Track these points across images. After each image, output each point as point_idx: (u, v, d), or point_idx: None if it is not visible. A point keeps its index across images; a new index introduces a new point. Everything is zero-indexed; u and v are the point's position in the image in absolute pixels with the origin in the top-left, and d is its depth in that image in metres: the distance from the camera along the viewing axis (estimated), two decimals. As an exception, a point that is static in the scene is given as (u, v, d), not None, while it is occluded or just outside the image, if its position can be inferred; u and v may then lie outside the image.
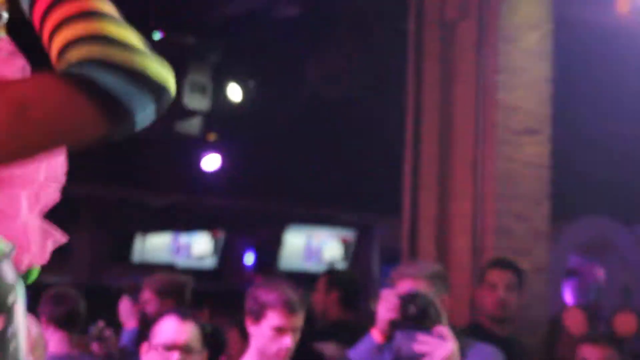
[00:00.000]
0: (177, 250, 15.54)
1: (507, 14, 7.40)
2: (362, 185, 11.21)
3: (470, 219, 7.16)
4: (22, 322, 1.80)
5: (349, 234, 15.91)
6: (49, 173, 1.94)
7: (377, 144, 8.42)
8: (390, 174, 7.78)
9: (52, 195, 1.99)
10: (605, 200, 8.34)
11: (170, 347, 3.94)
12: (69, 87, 1.50)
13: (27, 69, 1.84)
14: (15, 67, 1.84)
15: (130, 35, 1.59)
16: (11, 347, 1.75)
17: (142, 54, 1.56)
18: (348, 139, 10.61)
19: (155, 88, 1.56)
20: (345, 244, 15.59)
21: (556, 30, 7.57)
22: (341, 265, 14.22)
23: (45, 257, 1.97)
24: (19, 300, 1.78)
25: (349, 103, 10.21)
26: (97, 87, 1.50)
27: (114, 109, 1.53)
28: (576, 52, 7.95)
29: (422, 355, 4.63)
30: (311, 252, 15.54)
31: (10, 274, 1.76)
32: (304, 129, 11.20)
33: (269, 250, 15.98)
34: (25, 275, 1.90)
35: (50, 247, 1.98)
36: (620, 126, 9.93)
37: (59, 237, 2.02)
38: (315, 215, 15.19)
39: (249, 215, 15.19)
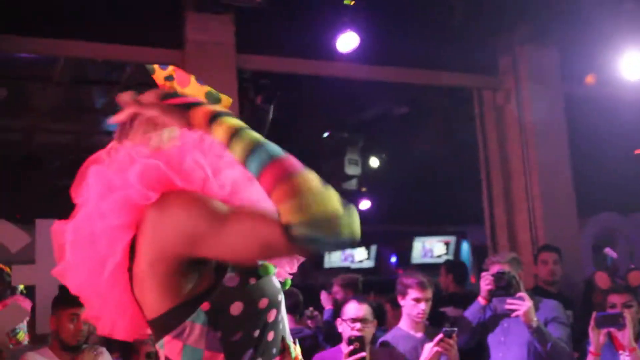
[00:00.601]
0: (345, 258, 15.28)
1: (532, 97, 7.33)
2: (457, 207, 11.01)
3: (528, 224, 7.10)
4: (284, 313, 1.75)
5: (451, 238, 15.64)
6: None
7: (465, 182, 8.37)
8: (475, 199, 7.75)
9: None
10: (608, 201, 8.07)
11: (354, 320, 3.94)
12: (290, 243, 1.41)
13: None
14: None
15: (320, 195, 1.45)
16: (280, 327, 1.70)
17: (329, 210, 1.44)
18: (446, 181, 10.46)
19: (344, 243, 1.50)
20: (447, 244, 15.34)
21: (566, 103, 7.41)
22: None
23: (294, 270, 1.89)
24: (282, 298, 1.72)
25: (442, 160, 10.04)
26: (298, 239, 1.40)
27: (307, 248, 1.46)
28: (579, 113, 7.79)
29: (511, 311, 4.42)
30: (426, 252, 15.24)
31: (276, 282, 1.72)
32: (416, 177, 11.04)
33: (404, 253, 15.81)
34: (283, 283, 1.79)
35: (296, 264, 1.88)
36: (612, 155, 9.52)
37: (300, 258, 1.82)
38: (429, 229, 15.01)
39: (391, 234, 15.02)
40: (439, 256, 16.23)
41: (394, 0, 6.43)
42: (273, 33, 6.16)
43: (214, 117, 1.54)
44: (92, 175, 1.63)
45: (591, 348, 4.30)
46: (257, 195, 1.62)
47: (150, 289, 1.59)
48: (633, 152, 10.94)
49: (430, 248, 16.49)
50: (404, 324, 4.36)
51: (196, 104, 1.59)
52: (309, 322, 6.32)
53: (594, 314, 4.39)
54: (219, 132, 1.53)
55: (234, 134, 1.51)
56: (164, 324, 1.60)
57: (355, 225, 1.49)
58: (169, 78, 1.78)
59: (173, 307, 1.58)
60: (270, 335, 1.67)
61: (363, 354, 3.66)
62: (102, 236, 1.59)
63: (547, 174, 7.29)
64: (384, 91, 8.18)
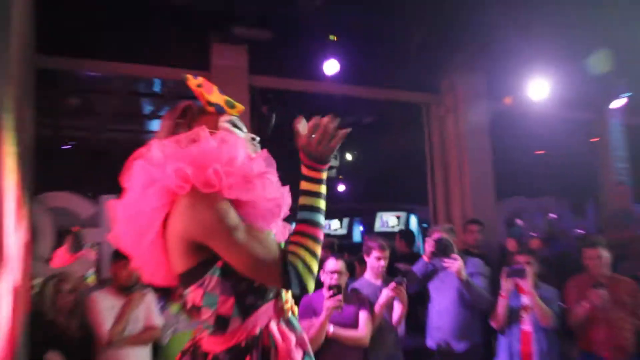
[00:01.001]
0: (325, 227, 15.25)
1: (465, 110, 7.37)
2: (408, 190, 11.02)
3: (460, 203, 7.15)
4: None
5: (402, 213, 15.69)
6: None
7: (415, 173, 8.37)
8: (422, 185, 7.76)
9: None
10: (518, 188, 8.14)
11: (333, 272, 3.91)
12: (280, 269, 1.58)
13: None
14: (271, 166, 1.71)
15: (315, 266, 1.63)
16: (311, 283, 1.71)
17: (312, 276, 1.62)
18: (401, 171, 10.43)
19: (304, 289, 1.61)
20: (399, 218, 15.38)
21: (490, 115, 7.44)
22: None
23: (285, 238, 1.84)
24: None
25: (398, 157, 10.02)
26: (288, 277, 1.58)
27: (284, 284, 1.60)
28: (500, 123, 7.83)
29: (447, 268, 4.45)
30: (384, 223, 15.29)
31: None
32: (379, 169, 11.05)
33: (369, 224, 15.81)
34: (279, 244, 1.73)
35: (287, 232, 1.86)
36: (522, 154, 9.58)
37: (291, 228, 1.84)
38: (387, 206, 15.03)
39: (359, 209, 15.04)
40: (393, 226, 16.35)
41: (365, 37, 6.45)
42: (276, 59, 6.18)
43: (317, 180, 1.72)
44: (136, 167, 1.64)
45: (502, 293, 4.35)
46: (270, 223, 1.67)
47: (179, 252, 1.63)
48: (535, 153, 11.06)
49: (387, 220, 16.57)
50: (368, 275, 4.36)
51: None
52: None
53: (504, 269, 4.43)
54: (306, 185, 1.70)
55: (314, 193, 1.69)
56: (190, 277, 1.64)
57: (312, 286, 1.65)
58: (199, 86, 1.78)
59: (196, 265, 1.62)
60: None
61: (339, 296, 3.67)
62: (145, 213, 1.62)
63: (475, 168, 7.28)
64: (356, 104, 8.19)
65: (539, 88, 7.25)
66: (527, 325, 4.32)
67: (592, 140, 9.10)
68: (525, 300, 4.37)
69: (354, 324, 3.90)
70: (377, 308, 4.02)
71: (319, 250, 1.66)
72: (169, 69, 5.84)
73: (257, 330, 1.65)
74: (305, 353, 1.75)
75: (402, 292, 4.06)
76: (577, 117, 8.99)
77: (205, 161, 1.60)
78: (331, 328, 3.77)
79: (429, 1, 6.00)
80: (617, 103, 8.56)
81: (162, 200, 1.61)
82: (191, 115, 1.77)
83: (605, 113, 8.84)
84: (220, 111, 1.80)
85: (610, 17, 6.15)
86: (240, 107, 1.84)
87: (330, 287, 3.77)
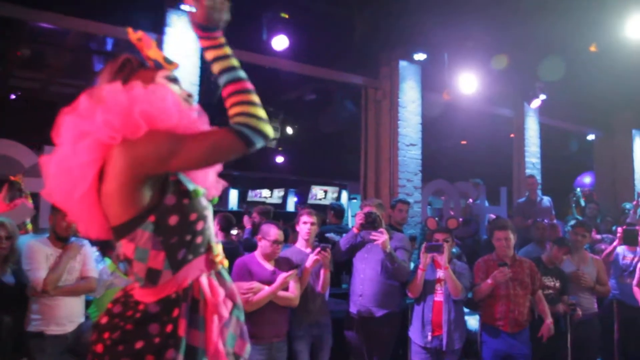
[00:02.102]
0: (256, 195, 15.15)
1: (401, 96, 7.46)
2: (342, 167, 11.08)
3: (389, 183, 7.26)
4: (211, 222, 1.73)
5: (335, 188, 15.81)
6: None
7: (349, 151, 8.42)
8: (354, 163, 7.82)
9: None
10: (441, 172, 8.31)
11: (274, 242, 3.86)
12: (234, 135, 1.53)
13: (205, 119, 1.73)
14: (204, 120, 1.72)
15: (260, 111, 1.58)
16: (207, 233, 1.70)
17: (264, 121, 1.58)
18: (336, 149, 10.49)
19: (266, 137, 1.57)
20: (332, 192, 15.54)
21: (423, 103, 7.53)
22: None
23: (218, 193, 1.86)
24: (208, 213, 1.71)
25: (335, 134, 10.06)
26: (244, 135, 1.53)
27: (248, 144, 1.54)
28: (431, 111, 7.95)
29: (374, 240, 4.42)
30: (314, 196, 15.43)
31: (204, 201, 1.70)
32: (317, 144, 11.02)
33: (303, 196, 15.84)
34: (211, 201, 1.76)
35: (220, 187, 1.87)
36: (448, 142, 9.79)
37: (225, 183, 1.90)
38: (321, 181, 15.08)
39: (296, 181, 15.04)
40: (321, 199, 16.51)
41: (314, 19, 6.41)
42: (228, 28, 6.00)
43: (212, 46, 1.64)
44: (66, 121, 1.58)
45: (420, 266, 4.43)
46: (189, 119, 1.63)
47: (115, 204, 1.58)
48: (460, 142, 11.36)
49: (317, 194, 16.71)
50: (299, 244, 4.34)
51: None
52: (233, 237, 6.26)
53: (424, 244, 4.49)
54: (211, 54, 1.64)
55: (223, 56, 1.63)
56: (123, 230, 1.60)
57: (270, 129, 1.61)
58: (139, 40, 1.73)
59: (130, 219, 1.58)
60: (199, 239, 1.67)
61: (293, 271, 3.73)
62: (76, 168, 1.56)
63: (405, 151, 7.49)
64: (301, 81, 8.14)
65: (468, 83, 7.44)
66: (439, 297, 4.42)
67: (510, 135, 9.44)
68: (440, 274, 4.47)
69: (285, 288, 3.87)
70: (304, 271, 4.02)
71: (256, 98, 1.61)
72: (122, 29, 5.58)
73: (188, 283, 1.62)
74: (234, 305, 1.74)
75: (327, 257, 4.05)
76: (500, 113, 9.31)
77: (133, 109, 1.55)
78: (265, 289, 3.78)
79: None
80: (535, 104, 8.90)
81: (94, 154, 1.56)
82: (130, 68, 1.72)
83: (524, 112, 9.20)
84: (158, 66, 1.76)
85: (534, 22, 6.36)
86: (174, 65, 1.79)
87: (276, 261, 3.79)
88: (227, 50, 1.66)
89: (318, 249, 4.05)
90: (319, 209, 7.83)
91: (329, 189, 16.19)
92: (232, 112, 1.58)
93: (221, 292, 1.70)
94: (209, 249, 1.71)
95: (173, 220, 1.61)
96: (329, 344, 4.27)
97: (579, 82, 7.73)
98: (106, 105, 1.55)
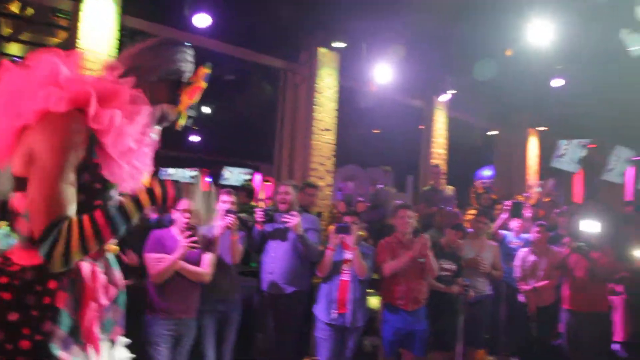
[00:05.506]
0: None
1: (318, 82, 7.61)
2: (255, 149, 11.09)
3: (302, 165, 7.44)
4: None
5: (248, 170, 15.73)
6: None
7: (264, 133, 8.48)
8: (269, 145, 7.91)
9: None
10: (353, 158, 8.57)
11: (186, 211, 3.80)
12: (51, 223, 1.45)
13: None
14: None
15: (82, 245, 1.47)
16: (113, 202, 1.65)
17: (68, 258, 1.46)
18: (251, 130, 10.48)
19: (48, 258, 1.45)
20: (245, 174, 15.48)
21: (340, 90, 7.73)
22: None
23: (130, 191, 1.71)
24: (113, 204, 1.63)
25: (251, 115, 10.05)
26: (50, 247, 1.44)
27: (42, 240, 1.44)
28: (347, 98, 8.16)
29: (286, 222, 4.57)
30: (230, 177, 15.31)
31: (115, 194, 1.66)
32: (232, 124, 10.95)
33: (216, 176, 15.62)
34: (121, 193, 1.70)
35: (132, 189, 1.70)
36: (361, 130, 10.06)
37: (139, 187, 1.74)
38: (235, 162, 14.93)
39: (209, 161, 14.81)
40: (228, 178, 16.45)
41: (237, -1, 6.42)
42: (149, 3, 5.92)
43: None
44: (7, 77, 1.55)
45: (329, 246, 4.58)
46: (124, 150, 1.59)
47: (21, 156, 1.54)
48: (372, 131, 11.73)
49: (234, 175, 16.62)
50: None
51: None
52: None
53: (334, 225, 4.68)
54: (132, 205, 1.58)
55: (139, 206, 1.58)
56: (20, 184, 1.53)
57: (59, 268, 1.49)
58: (199, 79, 1.76)
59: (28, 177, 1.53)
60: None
61: (195, 237, 3.71)
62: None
63: (320, 136, 7.67)
64: (221, 60, 8.07)
65: (383, 73, 7.74)
66: (346, 276, 4.60)
67: (420, 126, 9.91)
68: (347, 254, 4.63)
69: (199, 263, 3.93)
70: (213, 240, 4.03)
71: (92, 247, 1.50)
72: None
73: None
74: (118, 291, 1.72)
75: (234, 222, 4.10)
76: (411, 104, 9.72)
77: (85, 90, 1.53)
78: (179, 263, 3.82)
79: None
80: (444, 97, 9.39)
81: (25, 118, 1.52)
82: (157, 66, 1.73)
83: (433, 105, 9.68)
84: (173, 102, 1.77)
85: (450, 21, 6.69)
86: (179, 124, 1.82)
87: (188, 228, 3.76)
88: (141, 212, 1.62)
89: (223, 214, 4.06)
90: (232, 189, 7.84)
91: (242, 170, 16.10)
92: (73, 221, 1.48)
93: (103, 278, 1.64)
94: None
95: (79, 197, 1.55)
96: (235, 321, 4.34)
97: (485, 81, 8.13)
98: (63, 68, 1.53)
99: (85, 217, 1.50)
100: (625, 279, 5.47)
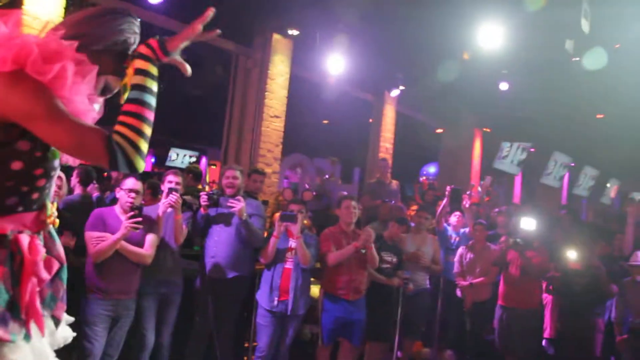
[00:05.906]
0: None
1: (271, 68, 7.57)
2: (203, 132, 10.96)
3: (249, 151, 7.40)
4: (53, 184, 1.63)
5: (195, 152, 15.56)
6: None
7: (213, 115, 8.38)
8: (217, 129, 7.83)
9: None
10: (300, 147, 8.61)
11: (131, 190, 3.77)
12: (105, 149, 1.43)
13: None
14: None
15: (144, 145, 1.50)
16: (45, 192, 1.59)
17: (140, 156, 1.49)
18: (199, 112, 10.35)
19: (134, 170, 1.49)
20: (191, 156, 15.33)
21: (290, 77, 7.72)
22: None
23: (74, 164, 1.76)
24: (55, 174, 1.59)
25: (200, 98, 9.89)
26: (114, 156, 1.44)
27: (112, 164, 1.45)
28: (298, 87, 8.18)
29: (231, 207, 4.50)
30: (176, 159, 15.16)
31: (56, 163, 1.59)
32: (180, 106, 10.70)
33: (161, 158, 15.37)
34: (62, 164, 1.65)
35: (76, 161, 1.72)
36: (311, 119, 10.12)
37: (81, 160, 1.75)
38: (181, 144, 14.73)
39: (154, 142, 14.48)
40: (174, 160, 16.24)
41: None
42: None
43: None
44: None
45: (275, 233, 4.58)
46: (85, 108, 1.53)
47: None
48: (321, 121, 11.79)
49: (180, 156, 16.38)
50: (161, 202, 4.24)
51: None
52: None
53: (280, 213, 4.69)
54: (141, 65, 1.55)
55: (147, 72, 1.54)
56: None
57: (142, 166, 1.52)
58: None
59: None
60: (35, 195, 1.56)
61: (139, 219, 3.66)
62: None
63: (269, 122, 7.66)
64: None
65: (336, 65, 7.77)
66: (289, 264, 4.64)
67: (369, 120, 10.03)
68: (292, 243, 4.66)
69: (141, 244, 3.91)
70: (157, 219, 4.01)
71: (148, 130, 1.51)
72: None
73: (7, 232, 1.50)
74: (61, 265, 1.67)
75: (177, 203, 4.08)
76: (361, 97, 9.82)
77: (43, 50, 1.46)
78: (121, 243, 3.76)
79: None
80: (394, 93, 9.55)
81: None
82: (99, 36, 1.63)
83: (383, 99, 9.82)
84: (119, 74, 1.67)
85: (404, 19, 6.80)
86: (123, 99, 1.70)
87: (132, 209, 3.71)
88: (156, 70, 1.58)
89: (166, 193, 4.05)
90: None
91: (189, 152, 15.91)
92: (119, 128, 1.48)
93: (43, 252, 1.58)
94: (42, 207, 1.60)
95: (17, 165, 1.48)
96: (176, 303, 4.33)
97: (435, 80, 8.33)
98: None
99: (120, 117, 1.49)
100: (554, 278, 5.74)
